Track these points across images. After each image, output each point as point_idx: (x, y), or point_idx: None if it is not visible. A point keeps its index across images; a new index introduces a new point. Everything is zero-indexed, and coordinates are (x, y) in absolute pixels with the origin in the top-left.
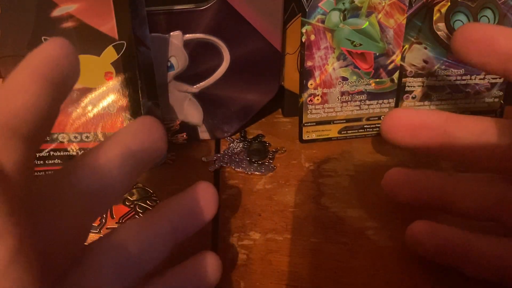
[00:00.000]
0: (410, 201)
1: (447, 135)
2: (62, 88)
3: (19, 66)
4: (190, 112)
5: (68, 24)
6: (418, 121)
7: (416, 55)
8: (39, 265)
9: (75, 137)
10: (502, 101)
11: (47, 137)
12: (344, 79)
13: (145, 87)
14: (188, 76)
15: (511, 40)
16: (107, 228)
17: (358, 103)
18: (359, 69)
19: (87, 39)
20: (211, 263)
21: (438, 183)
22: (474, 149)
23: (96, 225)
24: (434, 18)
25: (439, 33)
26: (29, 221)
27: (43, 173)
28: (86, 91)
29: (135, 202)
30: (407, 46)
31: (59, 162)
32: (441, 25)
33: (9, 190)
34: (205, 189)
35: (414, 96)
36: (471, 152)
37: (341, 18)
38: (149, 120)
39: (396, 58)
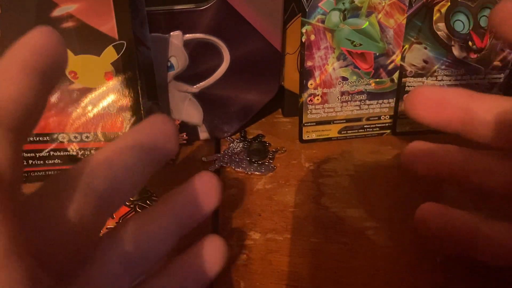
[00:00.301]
0: (429, 174)
1: (469, 113)
2: (49, 78)
3: (4, 56)
4: (190, 112)
5: (68, 24)
6: (441, 98)
7: (416, 55)
8: (34, 264)
9: (75, 137)
10: None
11: (47, 138)
12: (344, 79)
13: (145, 87)
14: (188, 76)
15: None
16: (106, 228)
17: (358, 103)
18: (359, 69)
19: (87, 39)
20: (215, 247)
21: (460, 156)
22: (495, 128)
23: None
24: (434, 18)
25: (439, 33)
26: (21, 219)
27: (43, 173)
28: (86, 91)
29: (135, 202)
30: (407, 46)
31: (59, 162)
32: (441, 25)
33: None
34: (208, 180)
35: None
36: (492, 131)
37: (341, 18)
38: (161, 118)
39: (396, 58)
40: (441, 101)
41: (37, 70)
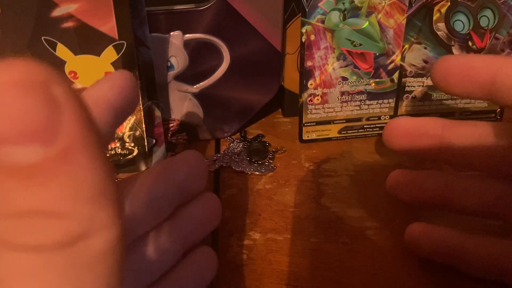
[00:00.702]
0: (413, 201)
1: (444, 141)
2: (121, 116)
3: (89, 88)
4: (190, 112)
5: (68, 24)
6: (416, 128)
7: (416, 55)
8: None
9: None
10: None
11: None
12: (344, 79)
13: (145, 87)
14: (188, 76)
15: (488, 66)
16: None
17: (358, 103)
18: (359, 69)
19: (87, 39)
20: (207, 258)
21: (440, 181)
22: (471, 153)
23: None
24: (434, 18)
25: (439, 33)
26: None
27: None
28: None
29: None
30: (407, 46)
31: None
32: (441, 25)
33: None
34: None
35: (414, 96)
36: (468, 156)
37: (341, 18)
38: (194, 155)
39: (396, 58)
40: (416, 131)
41: (115, 108)
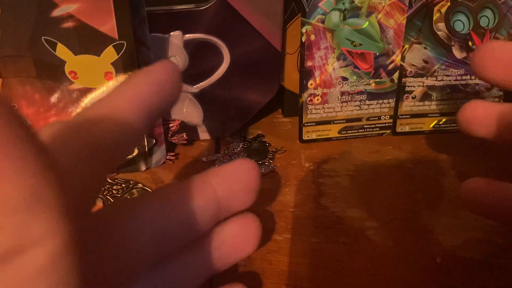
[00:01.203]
0: (490, 214)
1: None
2: (156, 113)
3: (125, 82)
4: (190, 112)
5: (68, 24)
6: (494, 112)
7: (416, 55)
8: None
9: None
10: (502, 101)
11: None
12: (344, 79)
13: None
14: (188, 76)
15: None
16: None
17: (358, 103)
18: (359, 69)
19: (87, 39)
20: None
21: None
22: None
23: None
24: (434, 18)
25: (439, 33)
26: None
27: None
28: (86, 91)
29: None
30: (407, 46)
31: None
32: (441, 25)
33: (64, 188)
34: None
35: (414, 96)
36: None
37: (341, 18)
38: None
39: (396, 58)
40: (494, 115)
41: (150, 105)
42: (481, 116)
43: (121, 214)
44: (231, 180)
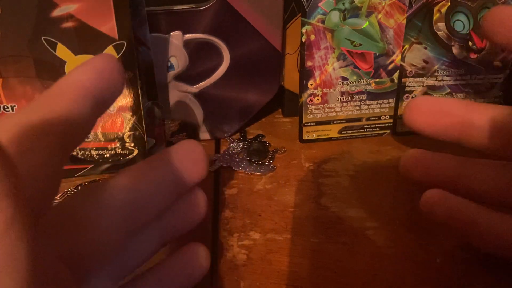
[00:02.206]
0: (425, 181)
1: (466, 121)
2: (102, 103)
3: (66, 75)
4: (190, 112)
5: (68, 24)
6: (438, 107)
7: (416, 55)
8: (32, 240)
9: None
10: (502, 101)
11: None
12: (344, 79)
13: (145, 87)
14: (188, 76)
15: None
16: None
17: (358, 103)
18: (359, 69)
19: (87, 39)
20: (199, 253)
21: (454, 163)
22: (492, 137)
23: None
24: (434, 18)
25: (439, 33)
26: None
27: None
28: None
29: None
30: (407, 46)
31: None
32: (441, 25)
33: (14, 173)
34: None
35: (414, 96)
36: (488, 138)
37: (341, 18)
38: (191, 144)
39: (396, 58)
40: (438, 110)
41: (91, 93)
42: (426, 113)
43: (90, 195)
44: (179, 155)
